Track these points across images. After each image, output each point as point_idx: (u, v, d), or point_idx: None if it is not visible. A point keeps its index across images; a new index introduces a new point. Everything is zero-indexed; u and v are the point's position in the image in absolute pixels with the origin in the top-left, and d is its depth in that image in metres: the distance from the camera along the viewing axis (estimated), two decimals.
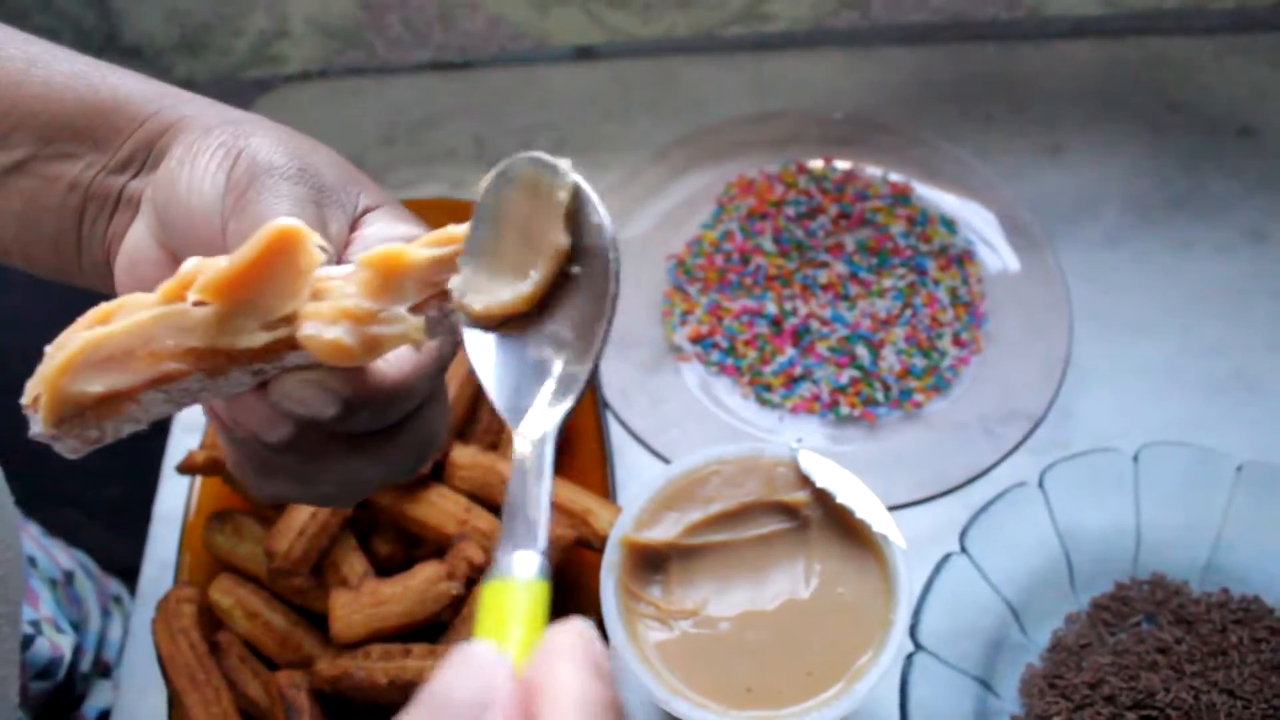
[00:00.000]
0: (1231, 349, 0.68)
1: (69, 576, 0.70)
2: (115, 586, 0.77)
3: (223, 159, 0.38)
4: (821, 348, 0.67)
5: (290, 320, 0.33)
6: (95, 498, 0.89)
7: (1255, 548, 0.59)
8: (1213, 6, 0.77)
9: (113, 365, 0.33)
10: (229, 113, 0.41)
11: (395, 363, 0.35)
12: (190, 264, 0.33)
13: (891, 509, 0.61)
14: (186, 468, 0.58)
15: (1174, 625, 0.58)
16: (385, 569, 0.58)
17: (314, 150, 0.39)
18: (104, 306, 0.34)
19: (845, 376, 0.66)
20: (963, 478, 0.63)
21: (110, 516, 0.80)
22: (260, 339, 0.33)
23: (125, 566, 0.77)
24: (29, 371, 0.34)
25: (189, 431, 0.67)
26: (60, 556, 0.71)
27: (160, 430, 0.68)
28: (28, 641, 0.60)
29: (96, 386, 0.33)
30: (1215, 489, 0.59)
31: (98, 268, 0.43)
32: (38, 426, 0.34)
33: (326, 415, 0.34)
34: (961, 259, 0.70)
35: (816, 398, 0.65)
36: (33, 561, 0.67)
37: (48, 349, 0.34)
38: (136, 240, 0.41)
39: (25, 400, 0.34)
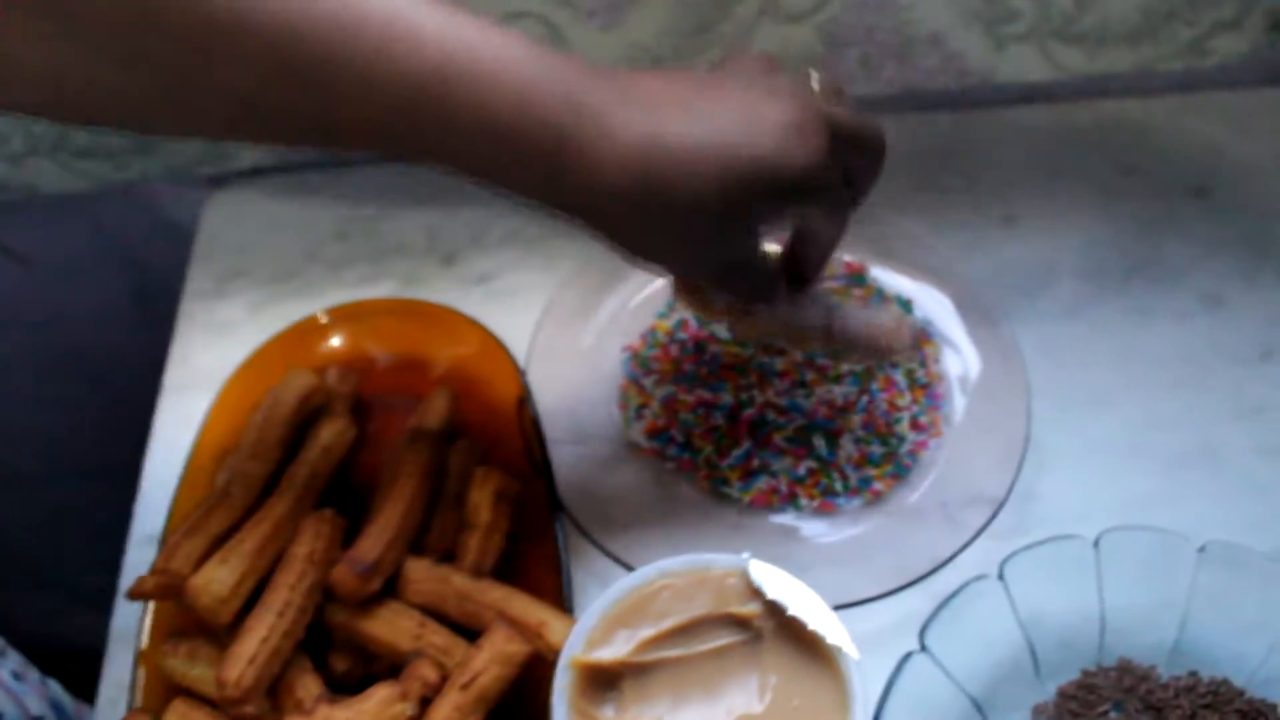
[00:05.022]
0: (1193, 420, 0.67)
1: None
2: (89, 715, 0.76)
3: None
4: (779, 439, 0.66)
5: None
6: (74, 583, 0.88)
7: (1221, 628, 0.58)
8: (1161, 69, 0.77)
9: None
10: None
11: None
12: None
13: (854, 604, 0.60)
14: (137, 594, 0.57)
15: (1142, 713, 0.57)
16: (343, 685, 0.57)
17: None
18: None
19: (803, 468, 0.65)
20: (925, 568, 0.62)
21: (90, 601, 0.79)
22: None
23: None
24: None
25: (142, 545, 0.66)
26: (31, 703, 0.70)
27: (120, 532, 0.67)
28: None
29: None
30: (1178, 571, 0.59)
31: None
32: None
33: None
34: (918, 340, 0.69)
35: (774, 490, 0.64)
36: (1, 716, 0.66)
37: None
38: None
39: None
